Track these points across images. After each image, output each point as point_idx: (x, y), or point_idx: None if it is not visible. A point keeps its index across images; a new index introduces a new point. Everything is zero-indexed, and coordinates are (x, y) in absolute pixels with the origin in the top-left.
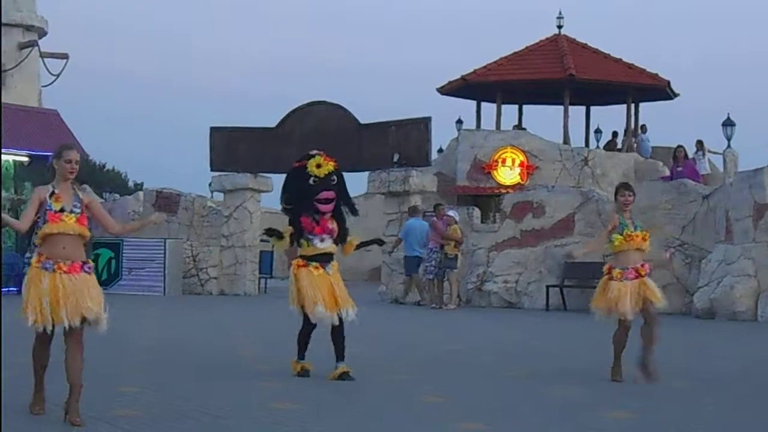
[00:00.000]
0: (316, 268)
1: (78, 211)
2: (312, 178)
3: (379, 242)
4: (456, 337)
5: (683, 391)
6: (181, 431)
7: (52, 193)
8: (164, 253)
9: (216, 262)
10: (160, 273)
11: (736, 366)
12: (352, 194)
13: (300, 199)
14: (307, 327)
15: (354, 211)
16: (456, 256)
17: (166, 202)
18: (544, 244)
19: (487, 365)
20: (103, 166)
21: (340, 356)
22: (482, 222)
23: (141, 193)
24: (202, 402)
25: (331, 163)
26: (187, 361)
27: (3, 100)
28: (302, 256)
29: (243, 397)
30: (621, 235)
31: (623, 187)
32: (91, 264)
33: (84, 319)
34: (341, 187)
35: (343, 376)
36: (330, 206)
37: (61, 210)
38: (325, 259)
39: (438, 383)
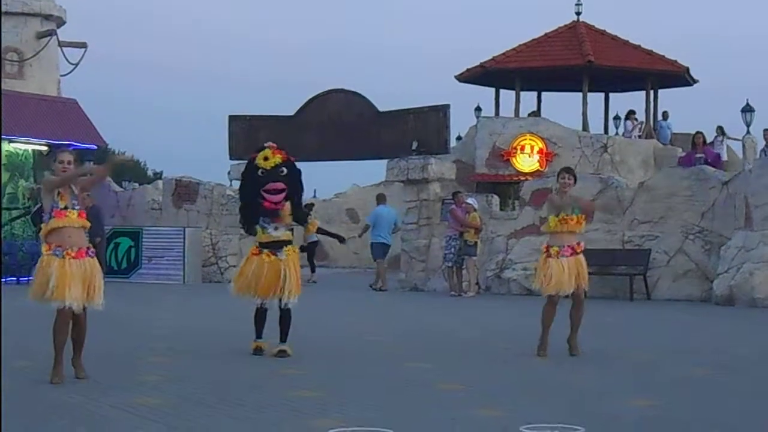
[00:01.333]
0: (268, 255)
1: (78, 207)
2: (260, 170)
3: (341, 239)
4: (475, 324)
5: (703, 378)
6: (201, 419)
7: (58, 192)
8: (183, 242)
9: (235, 250)
10: (179, 261)
11: (756, 352)
12: (371, 182)
13: (250, 190)
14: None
15: (299, 206)
16: (476, 243)
17: (185, 190)
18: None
19: (506, 352)
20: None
21: (282, 338)
22: (501, 209)
23: (160, 182)
24: (222, 390)
25: (279, 156)
26: (206, 350)
27: (22, 90)
28: (259, 243)
29: (262, 385)
30: (557, 217)
31: (564, 171)
32: (93, 249)
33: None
34: (292, 179)
35: (281, 354)
36: (278, 197)
37: (65, 207)
38: (277, 246)
39: (457, 370)
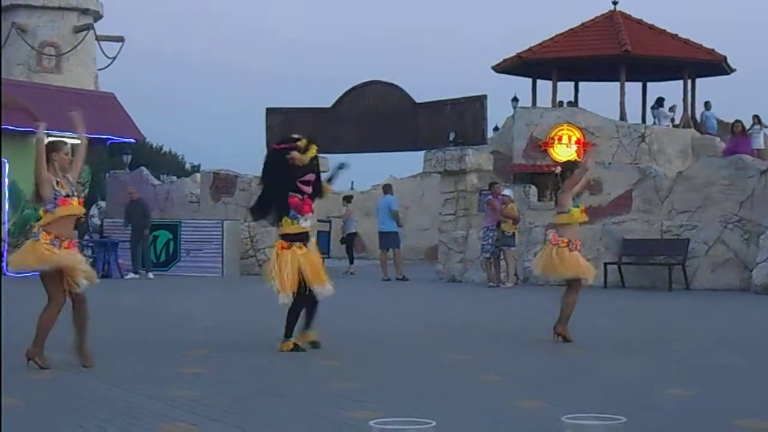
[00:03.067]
0: (300, 248)
1: (77, 194)
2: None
3: (341, 166)
4: (513, 315)
5: (741, 368)
6: (242, 412)
7: (57, 181)
8: (222, 235)
9: (273, 242)
10: (218, 254)
11: None
12: (408, 173)
13: (284, 180)
14: (299, 306)
15: (320, 194)
16: (513, 234)
17: (223, 183)
18: (602, 221)
19: (545, 343)
20: (161, 149)
21: (310, 325)
22: (539, 200)
23: (198, 175)
24: (261, 382)
25: (315, 148)
26: (245, 342)
27: (60, 84)
28: (284, 236)
29: (302, 376)
30: (577, 207)
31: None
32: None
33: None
34: (318, 170)
35: (315, 345)
36: (311, 188)
37: (68, 195)
38: (305, 237)
39: (496, 361)
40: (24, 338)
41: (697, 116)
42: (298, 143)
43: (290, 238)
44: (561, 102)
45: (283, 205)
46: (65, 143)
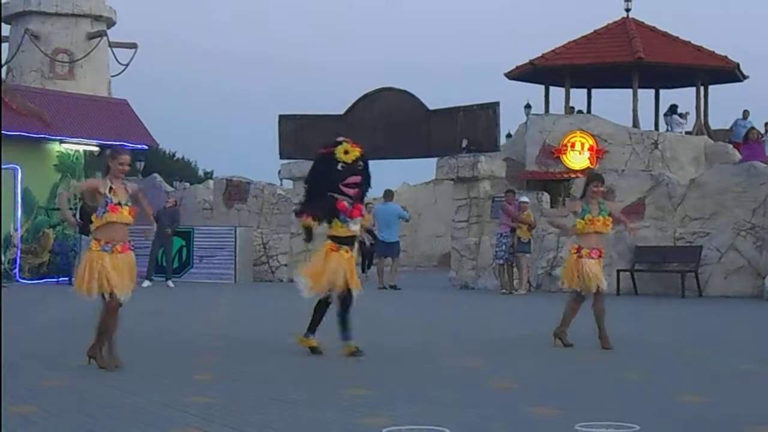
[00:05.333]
0: (347, 251)
1: (130, 204)
2: (340, 164)
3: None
4: (526, 322)
5: (755, 375)
6: (255, 418)
7: (111, 188)
8: (235, 241)
9: (286, 249)
10: (230, 261)
11: None
12: (421, 180)
13: (327, 183)
14: (325, 305)
15: (361, 200)
16: (529, 240)
17: (236, 190)
18: (615, 229)
19: (558, 350)
20: (173, 155)
21: (349, 335)
22: (552, 207)
23: (211, 182)
24: (275, 389)
25: (358, 150)
26: (259, 349)
27: (73, 90)
28: (333, 238)
29: (316, 383)
30: (582, 219)
31: (595, 178)
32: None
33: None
34: (366, 173)
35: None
36: (356, 190)
37: (119, 203)
38: (352, 242)
39: (509, 368)
40: (41, 346)
41: (711, 122)
42: (342, 145)
43: (339, 241)
44: (572, 108)
45: (330, 207)
46: (125, 152)
